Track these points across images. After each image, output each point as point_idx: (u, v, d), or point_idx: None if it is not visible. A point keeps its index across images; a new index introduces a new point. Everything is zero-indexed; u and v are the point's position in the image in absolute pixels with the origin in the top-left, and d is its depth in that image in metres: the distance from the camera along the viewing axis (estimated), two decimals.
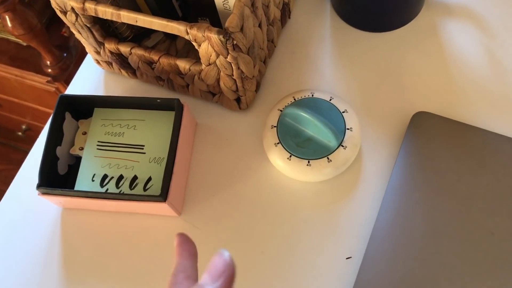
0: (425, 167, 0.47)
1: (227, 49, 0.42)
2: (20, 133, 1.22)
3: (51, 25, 0.93)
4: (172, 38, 0.55)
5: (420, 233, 0.44)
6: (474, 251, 0.43)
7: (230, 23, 0.41)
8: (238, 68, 0.45)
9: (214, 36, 0.40)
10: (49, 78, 0.90)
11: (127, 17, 0.43)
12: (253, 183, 0.49)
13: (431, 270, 0.43)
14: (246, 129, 0.52)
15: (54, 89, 0.93)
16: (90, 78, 0.57)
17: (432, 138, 0.48)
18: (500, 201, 0.45)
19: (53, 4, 0.46)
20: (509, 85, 0.51)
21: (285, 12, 0.55)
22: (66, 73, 0.90)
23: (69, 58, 0.90)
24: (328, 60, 0.55)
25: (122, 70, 0.54)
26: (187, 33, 0.41)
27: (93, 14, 0.45)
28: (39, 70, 0.91)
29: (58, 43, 0.90)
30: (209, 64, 0.45)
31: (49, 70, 0.90)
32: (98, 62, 0.56)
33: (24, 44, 0.92)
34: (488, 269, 0.42)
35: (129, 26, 0.52)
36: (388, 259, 0.44)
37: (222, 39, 0.40)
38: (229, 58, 0.43)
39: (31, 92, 0.99)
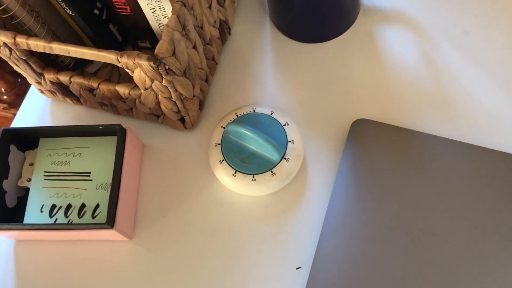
0: (366, 173, 0.48)
1: (160, 74, 0.42)
2: None
3: None
4: None
5: (365, 238, 0.45)
6: (417, 253, 0.44)
7: (160, 49, 0.41)
8: (176, 90, 0.45)
9: (145, 63, 0.41)
10: (5, 105, 0.89)
11: (59, 49, 0.43)
12: (202, 201, 0.50)
13: (378, 273, 0.44)
14: (193, 148, 0.53)
15: (11, 115, 0.92)
16: (36, 108, 0.58)
17: (371, 145, 0.49)
18: (440, 202, 0.46)
19: None
20: (445, 86, 0.53)
21: (224, 30, 0.55)
22: (22, 98, 0.90)
23: (24, 83, 0.89)
24: (270, 73, 0.56)
25: (66, 98, 0.54)
26: (119, 62, 0.42)
27: (26, 48, 0.45)
28: None
29: (11, 69, 0.89)
30: (146, 89, 0.45)
31: (5, 97, 0.89)
32: (42, 92, 0.56)
33: None
34: (432, 269, 0.44)
35: None
36: (336, 266, 0.45)
37: (153, 65, 0.41)
38: (164, 82, 0.44)
39: None
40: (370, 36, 0.56)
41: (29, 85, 0.91)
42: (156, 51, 0.41)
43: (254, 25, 0.59)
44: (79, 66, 0.55)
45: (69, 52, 0.43)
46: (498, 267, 0.43)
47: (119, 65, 0.43)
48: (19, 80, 0.89)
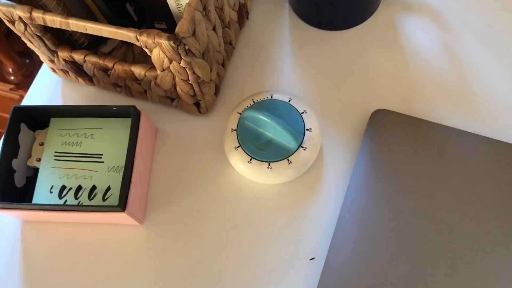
0: (385, 164, 0.47)
1: (179, 54, 0.41)
2: None
3: (12, 32, 0.91)
4: (129, 43, 0.55)
5: (382, 231, 0.44)
6: (435, 247, 0.43)
7: (181, 28, 0.40)
8: (194, 73, 0.44)
9: (165, 42, 0.40)
10: (12, 86, 0.88)
11: (76, 25, 0.42)
12: (215, 187, 0.49)
13: (394, 267, 0.43)
14: (207, 133, 0.52)
15: (18, 96, 0.91)
16: (47, 87, 0.56)
17: (391, 136, 0.48)
18: (459, 195, 0.45)
19: (0, 14, 0.45)
20: (467, 79, 0.51)
21: (242, 14, 0.54)
22: (30, 80, 0.88)
23: (32, 65, 0.88)
24: (288, 60, 0.54)
25: (78, 78, 0.53)
26: (138, 40, 0.41)
27: (42, 23, 0.43)
28: (2, 78, 0.89)
29: (20, 49, 0.88)
30: (163, 70, 0.44)
31: (12, 78, 0.88)
32: (54, 71, 0.55)
33: None
34: (450, 264, 0.43)
35: (84, 33, 0.51)
36: (351, 257, 0.44)
37: (173, 44, 0.40)
38: (182, 64, 0.42)
39: None
40: (391, 26, 0.55)
41: (38, 66, 0.90)
42: (177, 30, 0.40)
43: (273, 10, 0.57)
44: (93, 46, 0.54)
45: (86, 29, 0.42)
46: None
47: (137, 43, 0.41)
48: (27, 61, 0.88)
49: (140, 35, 0.40)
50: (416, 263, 0.43)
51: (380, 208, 0.45)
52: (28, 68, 0.87)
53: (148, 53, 0.42)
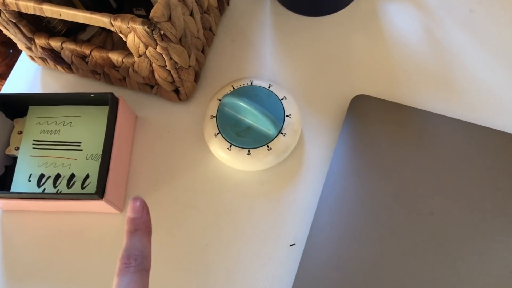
0: (364, 150, 0.47)
1: (154, 39, 0.41)
2: None
3: None
4: (108, 30, 0.54)
5: (361, 216, 0.44)
6: (415, 231, 0.43)
7: (155, 13, 0.39)
8: (171, 58, 0.44)
9: (139, 27, 0.39)
10: None
11: (50, 11, 0.41)
12: (195, 174, 0.49)
13: (373, 252, 0.43)
14: (187, 120, 0.51)
15: (1, 87, 0.90)
16: (26, 75, 0.56)
17: (370, 121, 0.48)
18: (439, 181, 0.45)
19: None
20: (448, 64, 0.51)
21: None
22: None
23: (16, 55, 0.87)
24: (269, 46, 0.54)
25: (57, 66, 0.53)
26: (112, 25, 0.40)
27: (16, 9, 0.43)
28: None
29: (3, 39, 0.87)
30: (140, 56, 0.44)
31: None
32: (32, 59, 0.54)
33: None
34: (429, 248, 0.43)
35: (62, 19, 0.50)
36: (330, 243, 0.44)
37: (148, 29, 0.39)
38: (158, 49, 0.42)
39: None
40: (373, 11, 0.55)
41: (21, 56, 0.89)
42: (151, 14, 0.39)
43: None
44: (72, 33, 0.53)
45: (60, 15, 0.42)
46: (496, 246, 0.42)
47: (112, 29, 0.41)
48: (11, 51, 0.87)
49: (114, 20, 0.40)
50: (395, 247, 0.43)
51: (359, 193, 0.45)
52: (12, 58, 0.87)
53: (124, 39, 0.42)
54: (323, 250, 0.43)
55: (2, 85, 0.89)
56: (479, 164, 0.45)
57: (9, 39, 0.88)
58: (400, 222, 0.44)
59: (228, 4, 0.56)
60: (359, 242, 0.43)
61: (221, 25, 0.55)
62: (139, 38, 0.41)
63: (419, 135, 0.47)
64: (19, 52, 0.88)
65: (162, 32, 0.40)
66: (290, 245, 0.45)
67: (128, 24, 0.39)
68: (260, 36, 0.55)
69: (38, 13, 0.42)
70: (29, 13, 0.43)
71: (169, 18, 0.41)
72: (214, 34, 0.54)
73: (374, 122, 0.48)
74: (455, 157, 0.46)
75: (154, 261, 0.45)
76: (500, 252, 0.42)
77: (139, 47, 0.42)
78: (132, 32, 0.40)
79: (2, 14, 0.45)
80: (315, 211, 0.45)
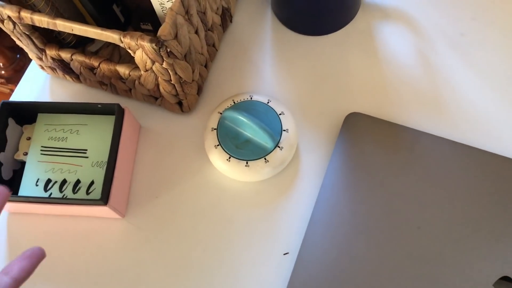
0: (357, 165, 0.49)
1: (161, 56, 0.43)
2: None
3: None
4: None
5: (352, 228, 0.47)
6: (402, 244, 0.46)
7: (162, 31, 0.42)
8: (176, 73, 0.46)
9: (147, 45, 0.42)
10: (2, 80, 0.90)
11: (62, 26, 0.44)
12: (195, 184, 0.51)
13: (362, 263, 0.45)
14: (189, 131, 0.54)
15: (8, 90, 0.92)
16: (35, 83, 0.58)
17: (363, 138, 0.50)
18: (426, 197, 0.47)
19: None
20: (438, 85, 0.54)
21: (226, 17, 0.56)
22: (20, 74, 0.90)
23: (22, 59, 0.89)
24: (268, 63, 0.57)
25: (66, 75, 0.55)
26: (121, 42, 0.43)
27: (30, 23, 0.45)
28: None
29: (11, 44, 0.89)
30: (146, 70, 0.46)
31: (2, 72, 0.89)
32: (42, 68, 0.56)
33: None
34: (416, 261, 0.45)
35: None
36: (322, 253, 0.46)
37: (155, 47, 0.42)
38: (164, 65, 0.44)
39: None
40: (369, 32, 0.57)
41: (28, 61, 0.91)
42: (158, 33, 0.42)
43: (256, 15, 0.60)
44: (80, 44, 0.56)
45: (72, 30, 0.44)
46: (481, 262, 0.44)
47: (121, 45, 0.43)
48: (18, 56, 0.89)
49: (123, 37, 0.42)
50: (384, 259, 0.45)
51: (351, 206, 0.47)
52: (19, 62, 0.89)
53: (132, 54, 0.44)
54: (316, 259, 0.46)
55: (9, 88, 0.91)
56: (465, 181, 0.48)
57: (16, 44, 0.91)
58: (388, 234, 0.46)
59: (231, 22, 0.58)
60: (349, 253, 0.46)
61: (223, 41, 0.58)
62: (147, 54, 0.43)
63: (409, 152, 0.49)
64: (26, 57, 0.90)
65: (168, 50, 0.43)
66: (284, 254, 0.48)
67: (137, 41, 0.42)
68: (261, 53, 0.57)
69: (51, 27, 0.45)
70: (42, 27, 0.45)
71: (176, 36, 0.44)
72: (217, 50, 0.56)
73: (366, 139, 0.50)
74: (442, 174, 0.48)
75: (154, 265, 0.47)
76: (483, 266, 0.44)
77: (146, 63, 0.45)
78: (140, 48, 0.43)
79: (16, 27, 0.47)
80: (308, 222, 0.47)
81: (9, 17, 0.46)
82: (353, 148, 0.50)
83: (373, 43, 0.57)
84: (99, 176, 0.49)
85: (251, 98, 0.51)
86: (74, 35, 0.54)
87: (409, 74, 0.55)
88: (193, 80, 0.50)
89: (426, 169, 0.49)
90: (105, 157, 0.50)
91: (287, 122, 0.50)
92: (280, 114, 0.50)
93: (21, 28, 0.47)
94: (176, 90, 0.49)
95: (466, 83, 0.54)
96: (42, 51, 0.51)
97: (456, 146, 0.49)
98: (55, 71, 0.55)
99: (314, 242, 0.46)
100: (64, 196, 0.49)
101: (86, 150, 0.50)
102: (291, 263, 0.47)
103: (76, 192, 0.49)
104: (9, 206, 0.49)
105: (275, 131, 0.49)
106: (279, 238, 0.48)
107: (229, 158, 0.48)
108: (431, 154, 0.49)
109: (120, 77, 0.50)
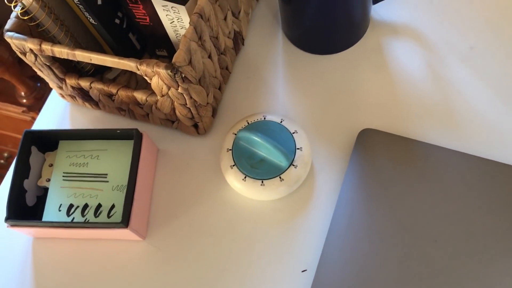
0: (372, 181, 0.50)
1: (176, 82, 0.45)
2: (2, 161, 1.24)
3: None
4: None
5: (368, 244, 0.47)
6: (419, 258, 0.46)
7: (177, 58, 0.44)
8: (191, 97, 0.48)
9: (163, 71, 0.43)
10: (24, 108, 0.92)
11: (81, 56, 0.46)
12: (212, 204, 0.52)
13: (380, 278, 0.45)
14: (205, 153, 0.55)
15: (30, 118, 0.95)
16: (56, 111, 0.60)
17: (377, 154, 0.51)
18: (442, 210, 0.48)
19: (13, 47, 0.49)
20: (450, 98, 0.54)
21: (238, 40, 0.58)
22: (41, 102, 0.93)
23: (43, 88, 0.92)
24: (281, 83, 0.58)
25: (85, 103, 0.57)
26: (138, 69, 0.44)
27: (51, 54, 0.47)
28: (15, 101, 0.94)
29: (31, 74, 0.92)
30: (163, 95, 0.48)
31: (24, 101, 0.92)
32: (62, 96, 0.58)
33: None
34: (433, 275, 0.45)
35: None
36: (340, 269, 0.46)
37: (170, 73, 0.43)
38: (180, 90, 0.46)
39: (8, 122, 1.02)
40: (378, 49, 0.58)
41: (48, 89, 0.94)
42: (173, 60, 0.43)
43: (267, 37, 0.61)
44: (98, 72, 0.58)
45: (91, 59, 0.46)
46: (497, 276, 0.44)
47: (138, 72, 0.45)
48: (38, 84, 0.92)
49: (140, 65, 0.44)
50: (402, 274, 0.45)
51: (367, 221, 0.48)
52: (40, 91, 0.92)
53: (148, 81, 0.46)
54: (334, 276, 0.46)
55: (30, 116, 0.94)
56: (480, 195, 0.48)
57: (36, 73, 0.94)
58: (405, 249, 0.46)
59: (243, 44, 0.60)
60: (367, 269, 0.46)
61: (236, 64, 0.59)
62: (163, 80, 0.45)
63: (423, 166, 0.50)
64: (46, 85, 0.93)
65: (183, 75, 0.44)
66: (302, 271, 0.48)
67: (153, 68, 0.44)
68: (273, 73, 0.59)
69: (71, 58, 0.47)
70: (62, 58, 0.47)
71: (190, 62, 0.45)
72: (230, 72, 0.58)
73: (380, 154, 0.51)
74: (457, 188, 0.48)
75: (174, 286, 0.48)
76: (499, 280, 0.44)
77: (162, 88, 0.46)
78: (156, 75, 0.44)
79: (38, 58, 0.49)
80: (325, 238, 0.48)
81: (31, 49, 0.48)
82: (367, 164, 0.50)
83: (384, 59, 0.58)
84: (119, 200, 0.51)
85: (264, 118, 0.52)
86: (92, 63, 0.56)
87: (420, 89, 0.55)
88: (207, 103, 0.52)
89: (441, 182, 0.49)
90: (125, 181, 0.51)
91: (300, 140, 0.51)
92: (293, 132, 0.51)
93: (42, 59, 0.50)
94: (192, 113, 0.50)
95: (477, 96, 0.54)
96: (62, 80, 0.53)
97: (470, 159, 0.50)
98: (75, 99, 0.57)
99: (332, 258, 0.47)
100: (86, 220, 0.50)
101: (107, 174, 0.52)
102: (309, 280, 0.47)
103: (98, 216, 0.50)
104: (33, 231, 0.51)
105: (289, 150, 0.50)
106: (297, 256, 0.49)
107: (245, 177, 0.49)
108: (445, 167, 0.50)
109: (137, 103, 0.52)
